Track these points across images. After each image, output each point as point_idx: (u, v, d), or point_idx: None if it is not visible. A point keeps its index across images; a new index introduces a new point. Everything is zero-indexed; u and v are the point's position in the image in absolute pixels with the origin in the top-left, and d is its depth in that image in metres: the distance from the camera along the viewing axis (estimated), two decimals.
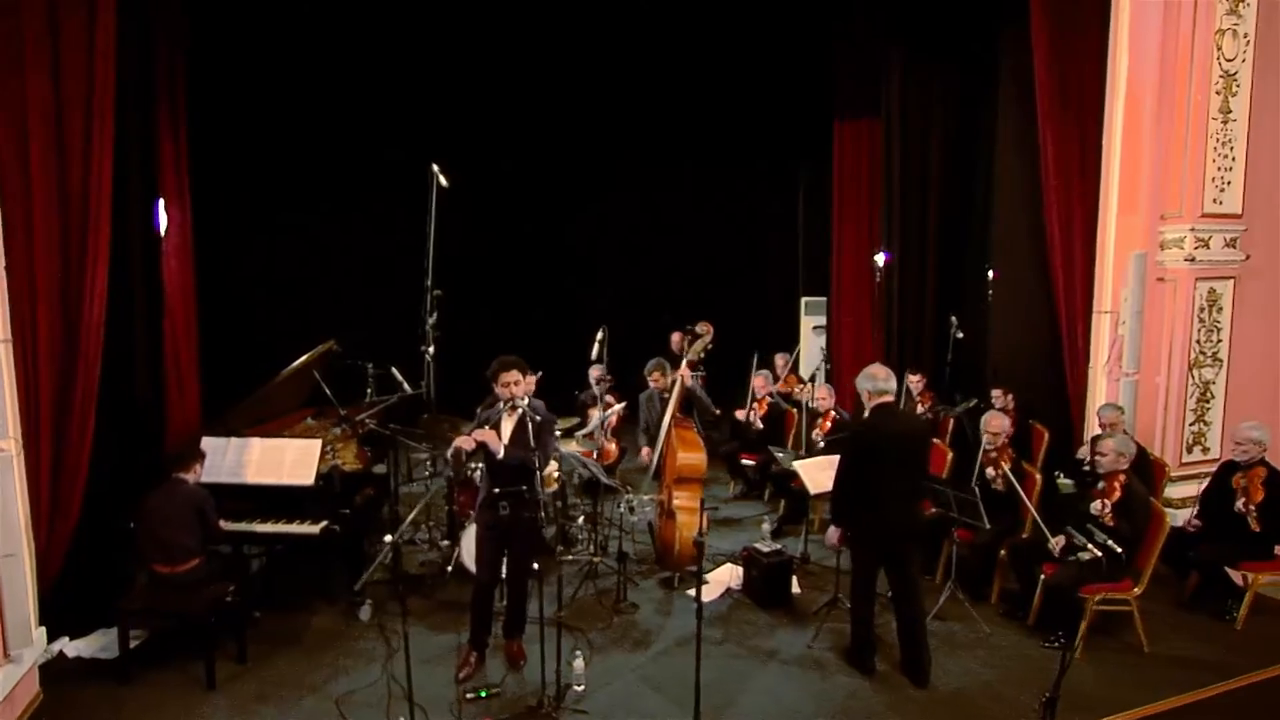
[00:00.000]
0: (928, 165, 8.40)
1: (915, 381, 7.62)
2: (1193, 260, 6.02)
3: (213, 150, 7.68)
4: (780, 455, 6.42)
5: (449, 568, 5.83)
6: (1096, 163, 6.46)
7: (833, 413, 6.93)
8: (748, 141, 10.56)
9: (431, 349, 6.53)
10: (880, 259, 9.05)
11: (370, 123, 9.12)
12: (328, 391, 6.08)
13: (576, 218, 10.97)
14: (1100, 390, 6.60)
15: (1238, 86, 5.91)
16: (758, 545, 5.61)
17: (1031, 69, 6.73)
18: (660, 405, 5.77)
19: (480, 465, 4.87)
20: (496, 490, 4.22)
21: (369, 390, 6.69)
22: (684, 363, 5.71)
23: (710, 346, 5.77)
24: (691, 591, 5.63)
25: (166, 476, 4.79)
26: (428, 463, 6.49)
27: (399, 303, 8.23)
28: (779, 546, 5.58)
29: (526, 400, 4.53)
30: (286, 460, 5.31)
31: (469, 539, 5.68)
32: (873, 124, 9.20)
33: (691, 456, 5.49)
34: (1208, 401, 6.28)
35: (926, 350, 8.64)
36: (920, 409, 7.40)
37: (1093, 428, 6.61)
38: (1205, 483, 5.72)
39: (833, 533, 4.65)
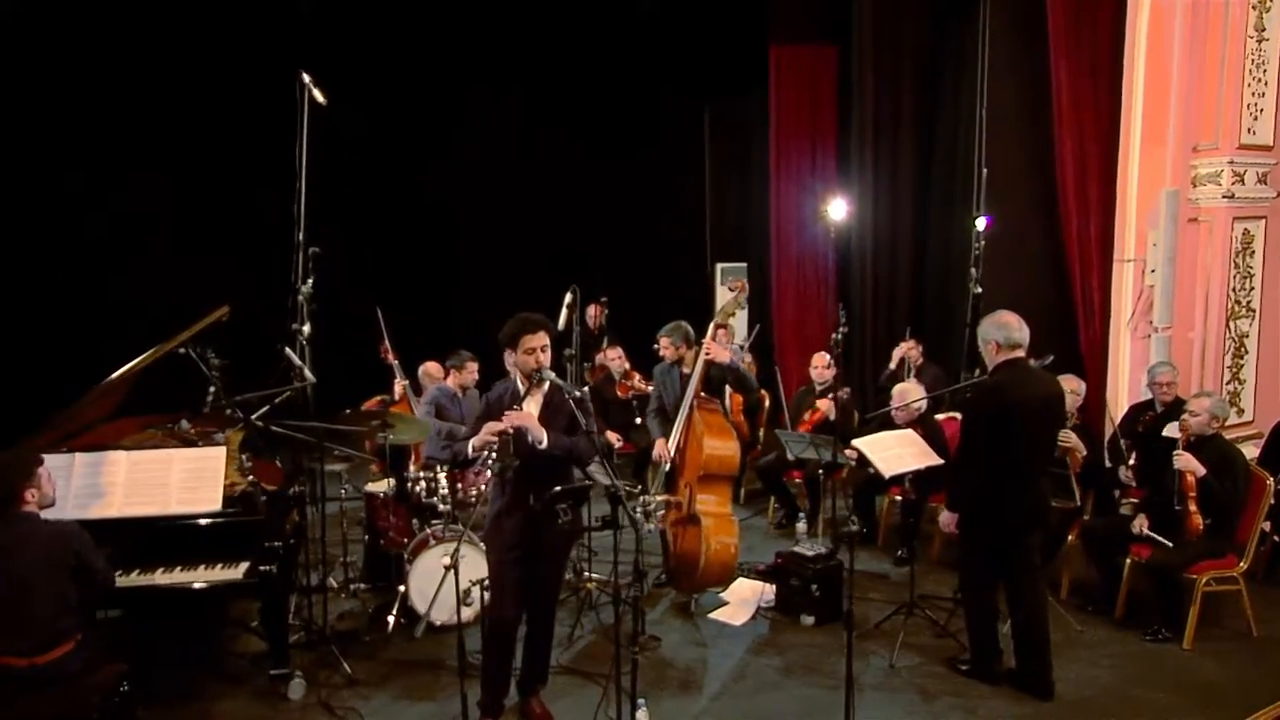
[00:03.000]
0: (900, 97, 8.66)
1: (910, 350, 7.80)
2: (1231, 197, 6.56)
3: None
4: (789, 440, 6.35)
5: (391, 616, 5.30)
6: (1115, 88, 6.89)
7: (829, 397, 6.93)
8: (642, 70, 10.39)
9: (307, 327, 5.91)
10: (836, 211, 9.23)
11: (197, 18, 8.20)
12: (215, 385, 5.34)
13: (431, 169, 10.46)
14: (1124, 349, 7.06)
15: (1272, 0, 6.50)
16: (797, 549, 5.53)
17: None
18: (680, 382, 5.51)
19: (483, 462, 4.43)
20: (558, 490, 3.81)
21: (213, 389, 5.96)
22: (710, 329, 5.48)
23: (744, 306, 5.58)
24: (715, 615, 5.54)
25: None
26: (343, 479, 5.87)
27: (247, 265, 7.54)
28: (824, 549, 5.51)
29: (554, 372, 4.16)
30: (171, 480, 4.58)
31: (419, 576, 5.24)
32: (819, 50, 9.40)
33: (721, 446, 5.29)
34: (1242, 357, 6.90)
35: (900, 314, 8.92)
36: (915, 382, 7.59)
37: (1120, 392, 7.07)
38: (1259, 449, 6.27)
39: (948, 516, 4.62)
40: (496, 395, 4.22)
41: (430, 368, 6.89)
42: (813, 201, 9.74)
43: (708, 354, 5.43)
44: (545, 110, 10.43)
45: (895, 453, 5.20)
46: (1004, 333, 4.44)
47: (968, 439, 4.57)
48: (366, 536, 5.96)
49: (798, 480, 7.18)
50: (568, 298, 6.04)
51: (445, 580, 3.65)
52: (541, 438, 3.96)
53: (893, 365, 7.94)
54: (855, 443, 5.40)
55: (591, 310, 9.42)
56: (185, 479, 4.58)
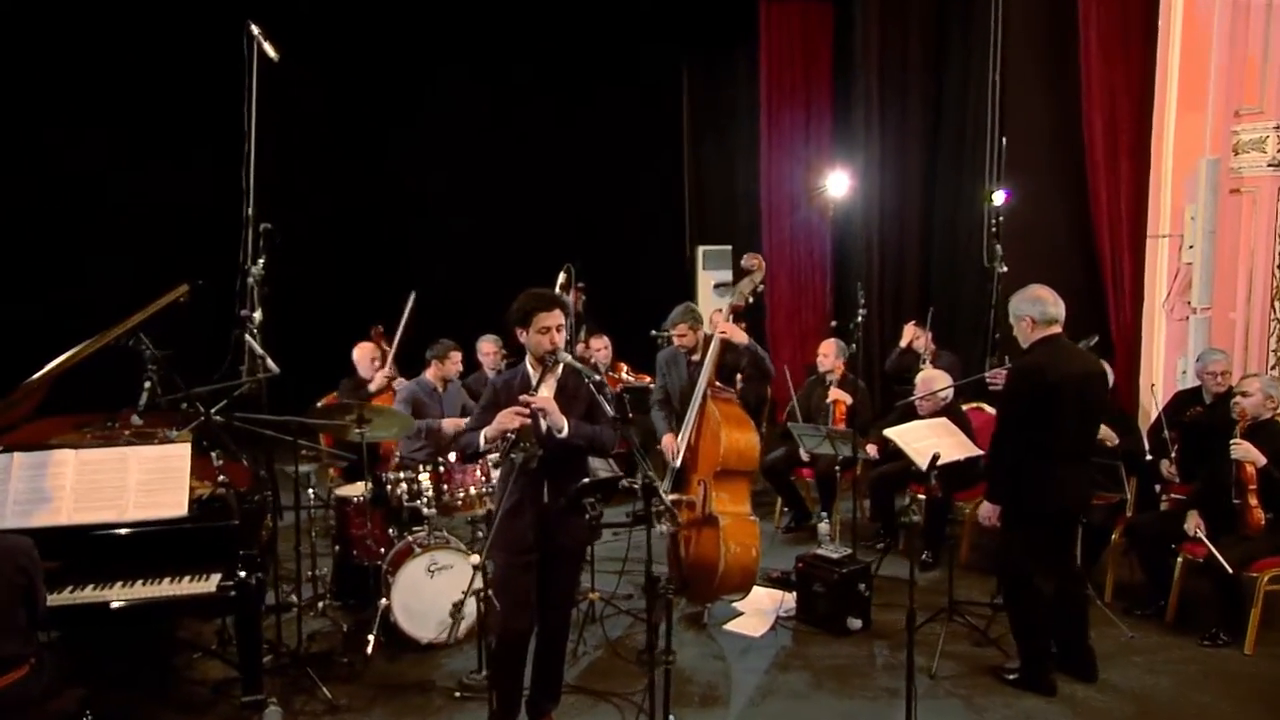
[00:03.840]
0: (906, 57, 8.69)
1: (917, 336, 7.79)
2: (1277, 165, 6.64)
3: None
4: (804, 434, 6.33)
5: (371, 635, 5.19)
6: (1149, 46, 6.98)
7: (845, 396, 6.90)
8: (611, 18, 10.25)
9: (259, 314, 5.77)
10: (836, 185, 9.22)
11: None
12: (151, 379, 5.16)
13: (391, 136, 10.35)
14: (1159, 332, 7.16)
15: None
16: (820, 551, 5.53)
17: None
18: (688, 370, 5.47)
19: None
20: (586, 483, 3.74)
21: (148, 384, 5.80)
22: (725, 310, 5.45)
23: (761, 288, 5.55)
24: (730, 626, 5.53)
25: None
26: (311, 482, 5.74)
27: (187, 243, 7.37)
28: (850, 550, 5.51)
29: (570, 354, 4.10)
30: (129, 482, 4.41)
31: (402, 589, 5.15)
32: (814, 6, 9.42)
33: (741, 438, 5.23)
34: None
35: (910, 297, 8.95)
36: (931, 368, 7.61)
37: (1155, 379, 7.14)
38: None
39: (988, 509, 4.64)
40: (504, 381, 4.16)
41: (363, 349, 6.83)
42: (807, 175, 9.76)
43: (723, 334, 5.38)
44: (506, 72, 10.38)
45: (931, 443, 5.18)
46: (1039, 308, 4.48)
47: (1006, 423, 4.60)
48: (336, 547, 5.82)
49: (806, 479, 7.15)
50: (561, 277, 5.98)
51: (473, 582, 3.55)
52: (562, 425, 3.88)
53: (903, 344, 7.96)
54: (888, 432, 5.39)
55: (572, 297, 9.34)
56: (145, 481, 4.42)
